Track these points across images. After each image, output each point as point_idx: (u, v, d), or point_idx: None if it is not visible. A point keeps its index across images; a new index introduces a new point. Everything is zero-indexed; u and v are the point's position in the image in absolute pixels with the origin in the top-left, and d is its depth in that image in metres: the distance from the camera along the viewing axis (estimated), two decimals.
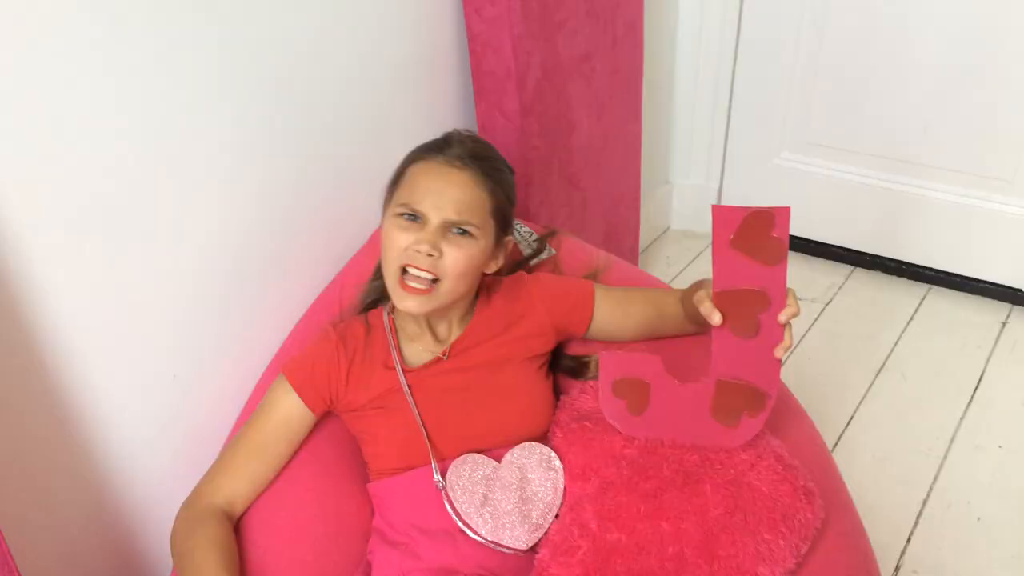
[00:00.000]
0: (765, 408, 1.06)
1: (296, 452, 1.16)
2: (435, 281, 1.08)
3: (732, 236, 0.97)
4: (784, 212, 0.96)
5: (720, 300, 1.00)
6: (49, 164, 0.96)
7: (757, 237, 0.97)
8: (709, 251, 2.37)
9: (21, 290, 0.96)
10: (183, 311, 1.16)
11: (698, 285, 1.16)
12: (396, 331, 1.19)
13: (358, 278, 1.33)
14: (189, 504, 1.10)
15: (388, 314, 1.21)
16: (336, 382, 1.15)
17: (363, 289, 1.29)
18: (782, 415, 1.19)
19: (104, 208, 1.02)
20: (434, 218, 1.08)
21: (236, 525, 1.11)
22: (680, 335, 1.27)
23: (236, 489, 1.10)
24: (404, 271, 1.08)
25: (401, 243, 1.08)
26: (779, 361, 1.03)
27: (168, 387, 1.18)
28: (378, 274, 1.27)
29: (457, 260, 1.08)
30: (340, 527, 1.16)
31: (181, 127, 1.09)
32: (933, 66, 2.00)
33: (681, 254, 2.44)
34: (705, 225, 2.50)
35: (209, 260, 1.18)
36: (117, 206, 1.04)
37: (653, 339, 1.27)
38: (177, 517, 1.08)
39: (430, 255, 1.07)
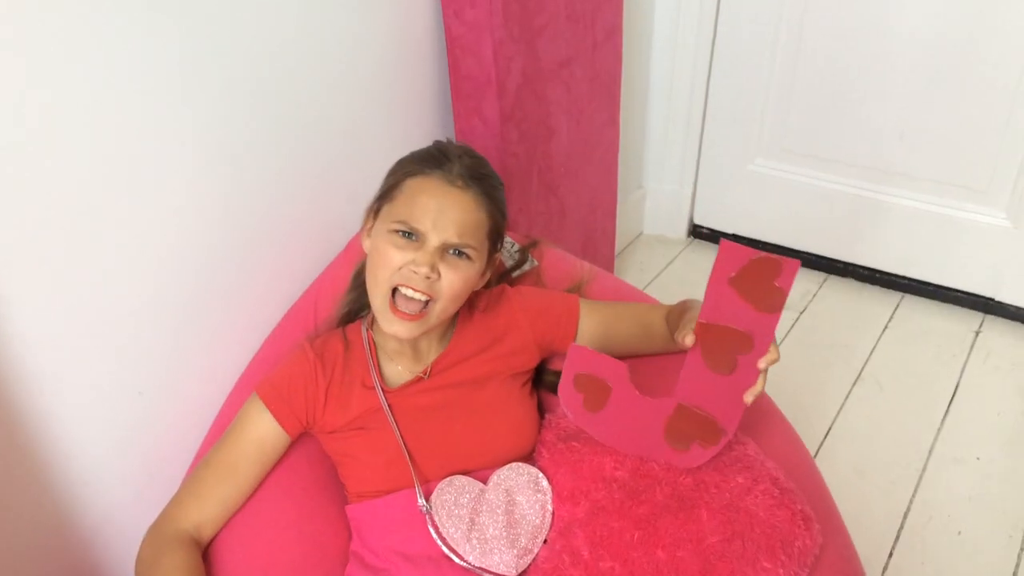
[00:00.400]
0: (718, 444, 1.04)
1: (269, 474, 1.11)
2: (428, 303, 1.04)
3: (733, 274, 0.94)
4: (792, 265, 0.93)
5: (703, 331, 0.98)
6: (5, 186, 0.90)
7: (758, 282, 0.94)
8: (682, 257, 2.40)
9: None
10: (148, 324, 1.11)
11: (683, 305, 1.14)
12: (375, 348, 1.14)
13: (333, 289, 1.28)
14: (156, 528, 1.04)
15: (367, 330, 1.16)
16: (314, 403, 1.10)
17: (339, 301, 1.23)
18: (770, 431, 1.17)
19: (63, 216, 0.97)
20: (434, 239, 1.03)
21: (206, 550, 1.06)
22: (665, 353, 1.24)
23: (205, 513, 1.05)
24: (395, 291, 1.04)
25: (397, 262, 1.03)
26: (744, 404, 1.00)
27: (133, 404, 1.12)
28: (355, 284, 1.22)
29: (453, 283, 1.04)
30: (316, 551, 1.11)
31: (146, 132, 1.03)
32: (910, 74, 2.00)
33: (654, 260, 2.41)
34: (677, 231, 2.51)
35: (175, 271, 1.13)
36: (77, 214, 0.98)
37: (638, 356, 1.24)
38: (143, 542, 1.03)
39: (428, 277, 1.02)
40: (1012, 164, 1.97)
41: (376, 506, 1.08)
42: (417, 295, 1.03)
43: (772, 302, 0.94)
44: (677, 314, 1.14)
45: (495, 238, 1.11)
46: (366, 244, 1.12)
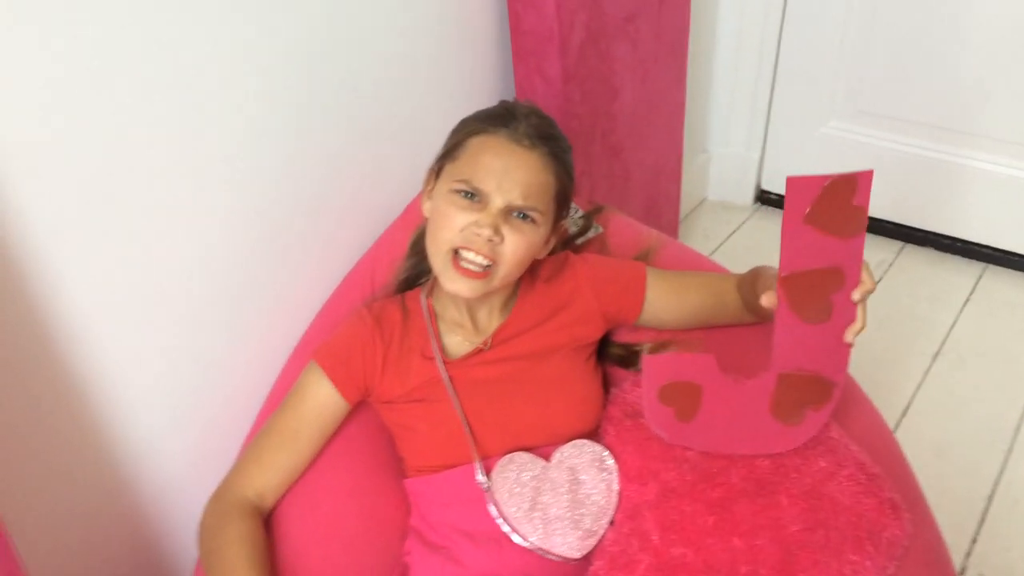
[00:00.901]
0: (831, 399, 0.96)
1: (329, 442, 1.08)
2: (489, 266, 0.99)
3: (808, 210, 0.85)
4: (867, 177, 0.84)
5: (787, 284, 0.88)
6: (59, 143, 0.87)
7: (836, 208, 0.85)
8: (748, 224, 2.31)
9: (31, 275, 0.88)
10: (204, 292, 1.08)
11: (755, 272, 1.06)
12: (435, 317, 1.09)
13: (391, 255, 1.24)
14: (218, 497, 1.02)
15: (426, 297, 1.11)
16: (372, 368, 1.06)
17: (398, 267, 1.19)
18: (850, 410, 1.09)
19: (119, 184, 0.93)
20: (498, 200, 0.98)
21: (267, 519, 1.03)
22: (737, 324, 1.17)
23: (267, 481, 1.03)
24: (456, 252, 0.99)
25: (459, 223, 0.98)
26: (849, 345, 0.92)
27: (189, 372, 1.09)
28: (414, 250, 1.18)
29: (518, 247, 0.99)
30: (375, 525, 1.08)
31: (204, 98, 1.00)
32: (995, 29, 1.86)
33: (718, 227, 2.32)
34: (743, 197, 2.41)
35: (232, 238, 1.09)
36: (134, 181, 0.95)
37: (707, 328, 1.18)
38: (205, 511, 1.01)
39: (491, 240, 0.97)
40: None
41: (435, 481, 1.04)
42: (479, 259, 0.98)
43: (855, 224, 0.85)
44: (749, 282, 1.07)
45: (562, 203, 1.05)
46: (426, 206, 1.07)
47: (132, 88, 0.91)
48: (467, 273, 0.99)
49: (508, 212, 0.99)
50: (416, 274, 1.17)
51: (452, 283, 1.00)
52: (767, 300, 0.91)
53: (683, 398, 0.96)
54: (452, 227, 0.99)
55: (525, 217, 1.00)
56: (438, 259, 1.01)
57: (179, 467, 1.12)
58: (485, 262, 0.99)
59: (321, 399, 1.05)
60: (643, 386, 0.98)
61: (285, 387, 1.15)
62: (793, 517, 0.91)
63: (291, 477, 1.04)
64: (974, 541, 1.46)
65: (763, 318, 1.10)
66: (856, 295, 0.89)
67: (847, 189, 0.84)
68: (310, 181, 1.18)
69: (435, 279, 1.11)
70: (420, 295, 1.12)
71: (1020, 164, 1.98)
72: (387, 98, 1.27)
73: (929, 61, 1.97)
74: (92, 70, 0.87)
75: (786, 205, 0.85)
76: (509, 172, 0.98)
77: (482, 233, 0.97)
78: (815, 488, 0.93)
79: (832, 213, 0.85)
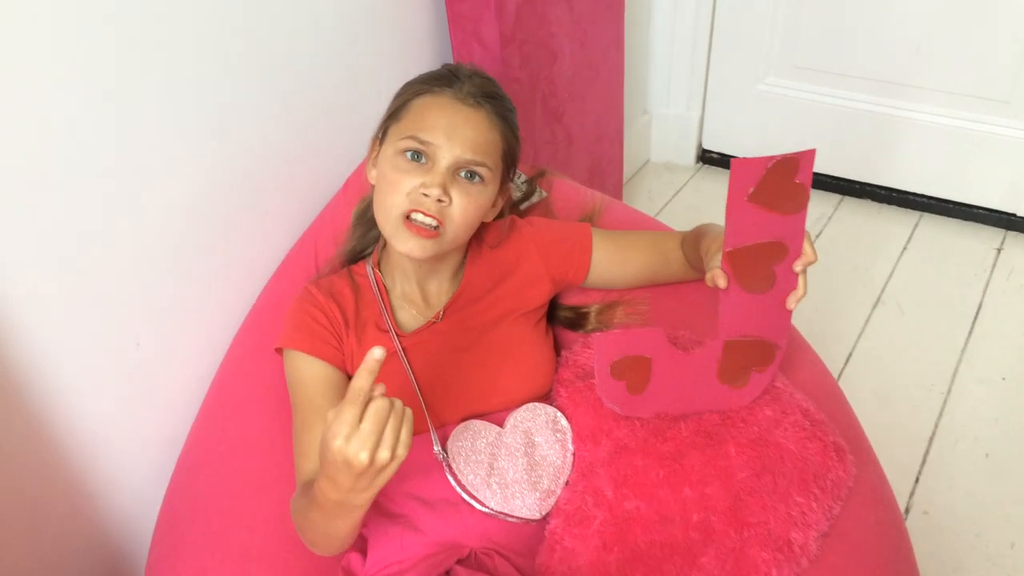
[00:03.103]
0: (774, 360, 0.99)
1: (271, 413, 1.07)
2: (439, 227, 0.99)
3: (752, 190, 0.88)
4: (808, 156, 0.88)
5: (732, 258, 0.91)
6: None
7: (778, 187, 0.88)
8: (691, 184, 2.33)
9: None
10: (143, 272, 1.05)
11: (699, 231, 1.08)
12: (385, 292, 1.09)
13: (333, 229, 1.23)
14: (293, 500, 0.98)
15: (373, 269, 1.10)
16: (340, 329, 1.04)
17: (343, 239, 1.18)
18: (794, 359, 1.12)
19: (48, 166, 0.91)
20: (445, 157, 0.98)
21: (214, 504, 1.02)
22: (682, 281, 1.19)
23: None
24: (406, 217, 0.98)
25: (405, 186, 0.98)
26: (790, 312, 0.96)
27: (131, 356, 1.07)
28: (359, 221, 1.17)
29: (466, 208, 0.99)
30: None
31: (135, 76, 0.97)
32: None
33: (662, 188, 2.34)
34: (686, 157, 2.43)
35: (167, 218, 1.07)
36: (64, 163, 0.92)
37: (653, 285, 1.19)
38: (291, 513, 0.97)
39: (440, 200, 0.97)
40: None
41: None
42: (427, 220, 0.98)
43: (797, 201, 0.89)
44: (692, 240, 1.09)
45: (509, 163, 1.06)
46: (371, 174, 1.06)
47: (58, 75, 0.88)
48: (419, 232, 0.98)
49: (456, 171, 0.99)
50: (363, 245, 1.16)
51: (405, 243, 0.99)
52: (711, 280, 0.93)
53: (634, 371, 0.98)
54: (399, 191, 0.98)
55: (473, 176, 1.00)
56: (388, 225, 1.00)
57: (127, 454, 1.10)
58: (434, 223, 0.98)
59: (316, 376, 1.01)
60: (595, 363, 0.99)
61: (231, 370, 1.14)
62: (741, 465, 0.94)
63: None
64: (917, 481, 1.51)
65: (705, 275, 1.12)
66: (798, 266, 0.92)
67: (790, 169, 0.87)
68: (247, 161, 1.16)
69: (382, 250, 1.11)
70: (367, 268, 1.11)
71: (952, 113, 2.02)
72: (320, 69, 1.25)
73: (862, 15, 2.00)
74: (24, 54, 0.84)
75: (730, 185, 0.88)
76: (456, 129, 0.98)
77: (431, 193, 0.96)
78: (762, 436, 0.96)
79: (775, 191, 0.88)
